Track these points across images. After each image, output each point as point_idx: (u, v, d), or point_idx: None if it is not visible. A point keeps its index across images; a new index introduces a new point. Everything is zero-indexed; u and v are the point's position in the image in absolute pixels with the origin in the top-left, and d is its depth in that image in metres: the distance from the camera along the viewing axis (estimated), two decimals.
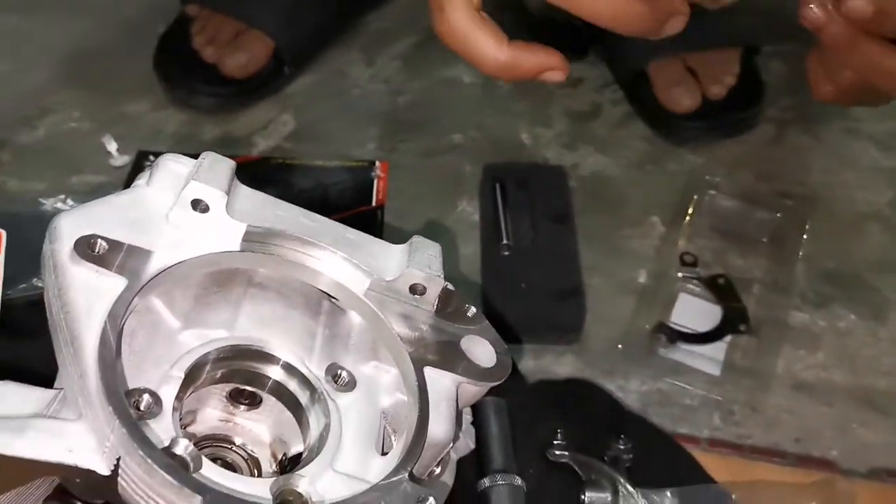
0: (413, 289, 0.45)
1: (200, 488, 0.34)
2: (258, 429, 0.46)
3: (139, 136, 0.87)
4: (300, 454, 0.44)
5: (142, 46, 0.92)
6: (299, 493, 0.38)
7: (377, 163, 0.84)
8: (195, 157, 0.44)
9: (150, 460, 0.33)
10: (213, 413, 0.46)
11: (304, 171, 0.84)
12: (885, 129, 0.91)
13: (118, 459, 0.34)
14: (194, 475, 0.35)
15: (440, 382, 0.43)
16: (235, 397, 0.46)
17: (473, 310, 0.47)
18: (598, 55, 0.96)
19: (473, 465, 0.57)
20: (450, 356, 0.45)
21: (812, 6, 0.51)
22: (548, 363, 0.70)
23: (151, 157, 0.84)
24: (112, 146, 0.85)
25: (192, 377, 0.42)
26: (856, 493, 0.56)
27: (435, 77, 0.95)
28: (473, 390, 0.45)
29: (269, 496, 0.37)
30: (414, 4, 1.03)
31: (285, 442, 0.45)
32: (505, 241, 0.75)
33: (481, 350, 0.46)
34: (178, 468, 0.34)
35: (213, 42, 0.89)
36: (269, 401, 0.45)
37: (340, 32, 0.97)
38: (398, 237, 0.52)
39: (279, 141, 0.88)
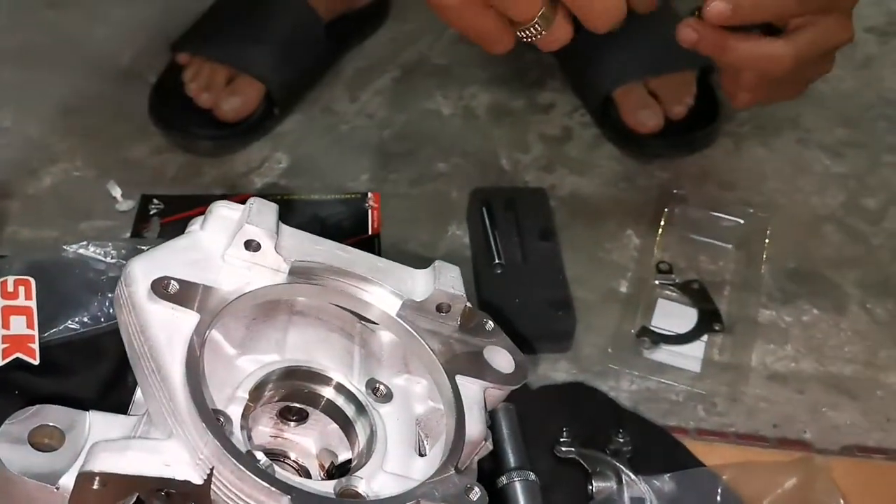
0: (439, 307, 0.51)
1: (287, 488, 0.39)
2: (305, 442, 0.51)
3: (141, 180, 0.91)
4: (348, 461, 0.50)
5: (135, 94, 0.97)
6: (358, 492, 0.44)
7: (370, 194, 0.90)
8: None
9: (242, 467, 0.39)
10: (264, 430, 0.51)
11: (302, 206, 0.90)
12: (835, 138, 1.00)
13: (211, 469, 0.40)
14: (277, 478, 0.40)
15: (470, 388, 0.49)
16: (284, 414, 0.51)
17: (491, 323, 0.53)
18: (566, 82, 1.04)
19: (490, 465, 0.63)
20: (476, 365, 0.51)
21: (683, 26, 0.59)
22: (544, 370, 0.76)
23: (155, 201, 0.89)
24: (116, 192, 0.90)
25: (252, 397, 0.47)
26: (831, 467, 0.63)
27: (416, 109, 1.02)
28: (497, 394, 0.52)
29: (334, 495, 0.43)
30: (390, 42, 1.10)
31: (332, 451, 0.51)
32: (497, 261, 0.82)
33: (501, 358, 0.52)
34: (267, 472, 0.39)
35: (207, 88, 0.94)
36: (316, 415, 0.51)
37: (325, 72, 1.03)
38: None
39: (275, 178, 0.93)
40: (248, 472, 0.38)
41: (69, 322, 0.69)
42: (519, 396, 0.66)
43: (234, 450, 0.39)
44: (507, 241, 0.84)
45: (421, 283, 0.52)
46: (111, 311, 0.70)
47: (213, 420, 0.40)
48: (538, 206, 0.88)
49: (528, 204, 0.88)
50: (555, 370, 0.76)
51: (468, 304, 0.52)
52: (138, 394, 0.46)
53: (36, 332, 0.66)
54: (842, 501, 0.60)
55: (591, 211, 0.91)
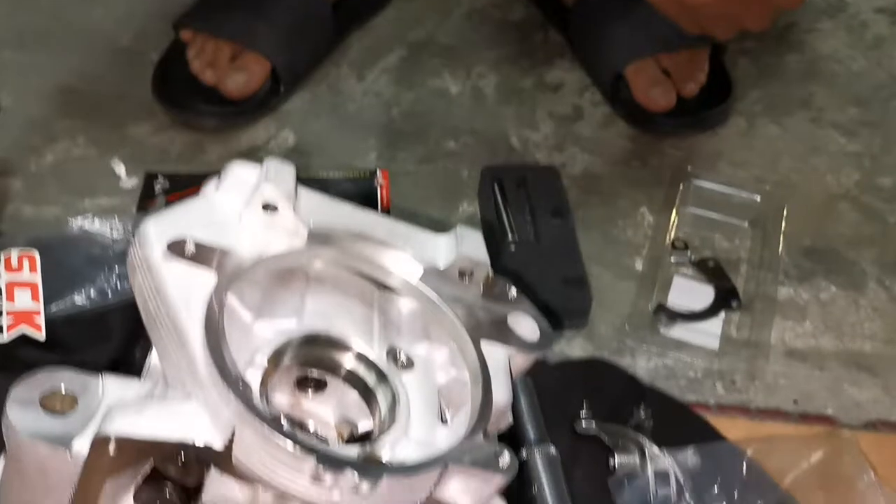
0: (462, 274, 0.50)
1: (312, 450, 0.37)
2: (324, 411, 0.49)
3: (145, 158, 0.90)
4: (369, 432, 0.48)
5: (137, 73, 0.96)
6: (381, 458, 0.42)
7: (379, 172, 0.88)
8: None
9: (267, 427, 0.37)
10: (281, 399, 0.49)
11: (309, 184, 0.87)
12: (848, 117, 0.98)
13: (232, 432, 0.38)
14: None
15: (495, 354, 0.48)
16: (302, 384, 0.49)
17: (515, 290, 0.52)
18: (575, 61, 1.02)
19: (508, 440, 0.62)
20: (500, 331, 0.49)
21: None
22: (560, 347, 0.74)
23: (159, 178, 0.87)
24: (120, 169, 0.88)
25: (271, 364, 0.45)
26: (858, 441, 0.62)
27: (424, 88, 1.00)
28: (522, 362, 0.50)
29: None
30: (396, 21, 1.08)
31: (352, 421, 0.49)
32: (510, 238, 0.80)
33: (526, 325, 0.50)
34: (292, 433, 0.38)
35: (212, 65, 0.92)
36: (335, 384, 0.49)
37: (331, 50, 1.01)
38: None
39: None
40: (272, 433, 0.37)
41: (75, 297, 0.67)
42: (537, 372, 0.65)
43: (257, 410, 0.37)
44: (520, 219, 0.82)
45: (443, 248, 0.50)
46: (118, 286, 0.68)
47: (235, 380, 0.38)
48: (550, 184, 0.86)
49: (541, 181, 0.86)
50: (570, 348, 0.75)
51: (491, 271, 0.51)
52: (153, 359, 0.45)
53: (41, 307, 0.65)
54: (872, 474, 0.59)
55: (604, 189, 0.90)
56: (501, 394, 0.46)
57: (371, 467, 0.39)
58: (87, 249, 0.71)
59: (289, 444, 0.37)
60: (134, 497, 0.44)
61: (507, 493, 0.48)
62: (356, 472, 0.37)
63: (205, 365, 0.39)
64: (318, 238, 0.48)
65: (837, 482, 0.58)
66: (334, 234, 0.48)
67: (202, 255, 0.43)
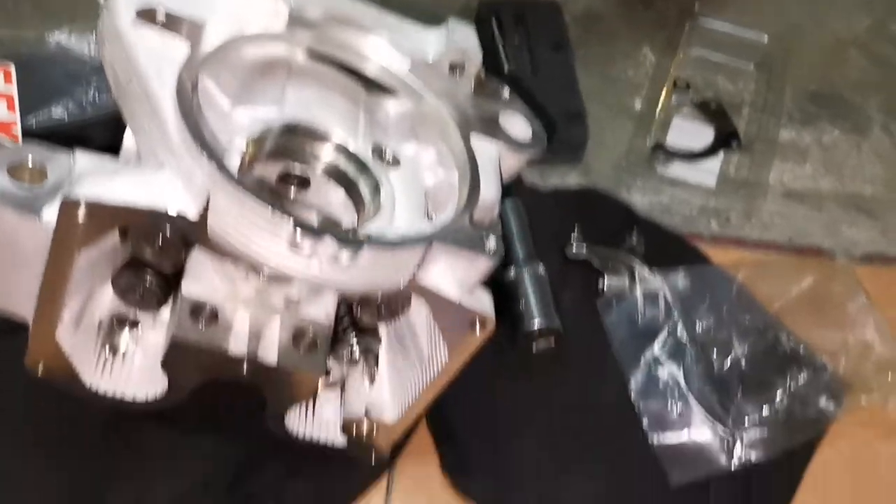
0: (453, 68, 0.47)
1: (289, 212, 0.36)
2: (307, 213, 0.48)
3: None
4: (353, 230, 0.47)
5: None
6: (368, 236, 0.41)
7: None
8: None
9: (241, 191, 0.35)
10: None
11: None
12: None
13: (207, 201, 0.36)
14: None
15: (484, 148, 0.46)
16: (284, 180, 0.48)
17: (507, 90, 0.49)
18: None
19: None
20: (490, 128, 0.47)
21: None
22: (554, 182, 0.73)
23: None
24: None
25: (250, 151, 0.44)
26: (853, 269, 0.61)
27: None
28: (513, 163, 0.48)
29: None
30: None
31: (335, 220, 0.48)
32: (506, 70, 0.77)
33: (518, 124, 0.48)
34: (267, 195, 0.36)
35: None
36: (317, 181, 0.47)
37: None
38: None
39: None
40: (247, 195, 0.35)
41: (53, 110, 0.65)
42: (530, 199, 0.63)
43: (230, 173, 0.36)
44: (517, 53, 0.79)
45: (433, 42, 0.48)
46: (96, 99, 0.66)
47: (208, 144, 0.36)
48: (550, 18, 0.83)
49: (540, 16, 0.83)
50: (564, 183, 0.73)
51: (483, 69, 0.48)
52: (126, 141, 0.43)
53: (18, 117, 0.62)
54: (864, 297, 0.58)
55: (606, 29, 0.86)
56: (489, 188, 0.44)
57: (351, 237, 0.37)
58: (65, 65, 0.68)
59: (264, 207, 0.35)
60: (112, 282, 0.43)
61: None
62: (335, 240, 0.36)
63: (177, 130, 0.37)
64: (300, 21, 0.45)
65: (828, 305, 0.57)
66: (317, 17, 0.45)
67: (173, 23, 0.40)
